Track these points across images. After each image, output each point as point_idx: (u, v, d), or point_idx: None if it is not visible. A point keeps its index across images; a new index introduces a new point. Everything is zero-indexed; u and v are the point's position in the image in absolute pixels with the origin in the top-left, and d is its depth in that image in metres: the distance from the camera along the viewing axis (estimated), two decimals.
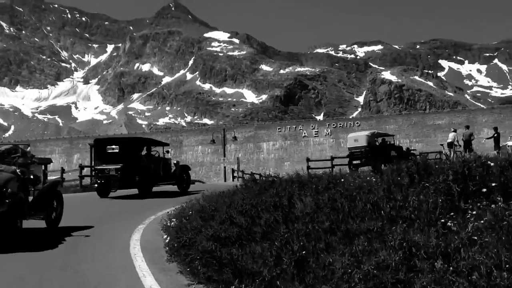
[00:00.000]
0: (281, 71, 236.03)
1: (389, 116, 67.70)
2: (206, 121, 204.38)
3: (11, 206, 7.25)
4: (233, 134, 62.20)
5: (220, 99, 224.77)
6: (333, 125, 64.04)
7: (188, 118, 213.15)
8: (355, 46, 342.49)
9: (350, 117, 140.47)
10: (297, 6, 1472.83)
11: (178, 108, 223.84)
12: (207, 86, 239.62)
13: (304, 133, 64.54)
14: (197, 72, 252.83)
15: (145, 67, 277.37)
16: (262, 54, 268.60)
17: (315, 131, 64.27)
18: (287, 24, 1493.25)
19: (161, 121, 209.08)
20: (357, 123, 62.93)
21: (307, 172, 30.39)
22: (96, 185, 18.37)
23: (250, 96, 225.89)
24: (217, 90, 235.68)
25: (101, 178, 18.05)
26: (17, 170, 8.18)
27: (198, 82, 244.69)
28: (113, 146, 18.65)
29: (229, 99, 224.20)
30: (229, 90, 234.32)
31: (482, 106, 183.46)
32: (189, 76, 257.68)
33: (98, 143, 19.63)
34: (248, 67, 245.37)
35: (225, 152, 58.75)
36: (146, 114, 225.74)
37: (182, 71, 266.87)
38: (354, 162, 26.08)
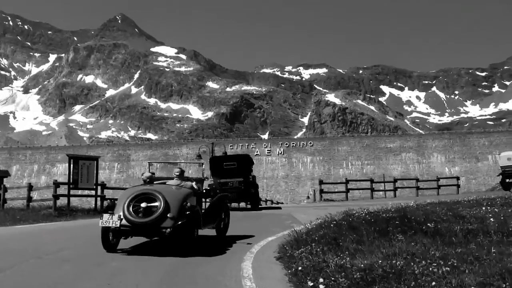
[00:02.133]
0: (228, 89, 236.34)
1: (341, 137, 68.61)
2: (150, 136, 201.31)
3: (190, 217, 8.29)
4: (224, 149, 61.01)
5: (165, 114, 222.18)
6: (286, 144, 64.33)
7: (132, 132, 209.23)
8: (301, 68, 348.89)
9: (296, 136, 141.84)
10: (245, 25, 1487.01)
11: (122, 122, 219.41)
12: (152, 100, 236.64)
13: (257, 152, 64.45)
14: (143, 86, 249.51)
15: (89, 79, 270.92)
16: (209, 71, 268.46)
17: (267, 150, 64.31)
18: (234, 43, 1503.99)
19: (104, 134, 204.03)
20: (310, 143, 63.50)
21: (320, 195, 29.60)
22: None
23: (196, 113, 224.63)
24: (163, 105, 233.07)
25: (222, 191, 19.87)
26: (194, 185, 9.40)
27: (143, 96, 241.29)
28: (231, 162, 21.12)
29: (175, 114, 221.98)
30: (174, 106, 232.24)
31: (420, 131, 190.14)
32: (134, 90, 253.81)
33: (215, 160, 22.17)
34: (195, 83, 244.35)
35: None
36: (88, 126, 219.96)
37: (127, 85, 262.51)
38: (508, 180, 25.77)
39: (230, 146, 67.38)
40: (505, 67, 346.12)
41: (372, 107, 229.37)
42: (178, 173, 9.58)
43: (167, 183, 9.46)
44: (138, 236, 8.50)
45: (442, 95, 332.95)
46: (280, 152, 63.54)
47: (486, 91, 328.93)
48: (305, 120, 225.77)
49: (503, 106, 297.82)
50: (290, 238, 8.63)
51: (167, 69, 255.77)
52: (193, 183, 9.52)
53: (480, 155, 57.34)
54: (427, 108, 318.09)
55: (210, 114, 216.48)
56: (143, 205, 8.04)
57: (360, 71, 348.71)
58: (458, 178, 34.36)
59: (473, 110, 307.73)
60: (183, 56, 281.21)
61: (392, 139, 62.61)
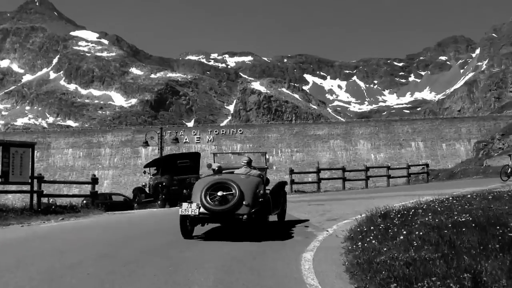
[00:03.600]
0: (152, 76, 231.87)
1: (271, 125, 69.06)
2: (70, 123, 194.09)
3: (262, 204, 8.74)
4: (174, 135, 59.13)
5: (86, 100, 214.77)
6: (215, 131, 63.91)
7: (50, 119, 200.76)
8: (226, 55, 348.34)
9: (222, 124, 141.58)
10: (169, 11, 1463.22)
11: (39, 108, 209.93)
12: (72, 86, 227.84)
13: (186, 139, 63.60)
14: (62, 72, 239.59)
15: (4, 63, 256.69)
16: (132, 57, 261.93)
17: (197, 137, 63.61)
18: (159, 29, 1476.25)
19: (20, 121, 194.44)
20: (240, 130, 63.40)
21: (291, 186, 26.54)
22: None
23: (118, 99, 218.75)
24: (83, 91, 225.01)
25: (180, 187, 21.07)
26: (260, 174, 9.76)
27: (62, 82, 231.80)
28: (185, 160, 22.37)
29: (96, 101, 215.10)
30: (96, 92, 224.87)
31: (342, 119, 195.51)
32: (52, 75, 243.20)
33: (169, 157, 23.86)
34: (117, 69, 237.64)
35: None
36: (3, 113, 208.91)
37: (45, 70, 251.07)
38: None
39: (158, 133, 66.05)
40: (421, 58, 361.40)
41: (296, 96, 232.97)
42: (246, 162, 10.07)
43: (235, 172, 10.01)
44: (215, 223, 9.25)
45: (362, 84, 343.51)
46: (209, 139, 63.02)
47: (403, 80, 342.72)
48: (231, 108, 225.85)
49: (418, 95, 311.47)
50: (354, 258, 6.33)
51: (88, 54, 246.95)
52: (260, 172, 9.96)
53: (403, 142, 59.66)
54: (348, 97, 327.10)
55: (133, 101, 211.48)
56: (219, 193, 8.56)
57: (285, 60, 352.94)
58: (427, 165, 34.15)
59: (391, 99, 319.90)
60: (105, 41, 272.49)
61: (320, 126, 63.71)
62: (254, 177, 9.37)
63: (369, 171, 29.93)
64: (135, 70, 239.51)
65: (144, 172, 25.58)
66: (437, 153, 59.03)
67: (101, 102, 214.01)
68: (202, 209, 8.50)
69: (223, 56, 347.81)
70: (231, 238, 8.95)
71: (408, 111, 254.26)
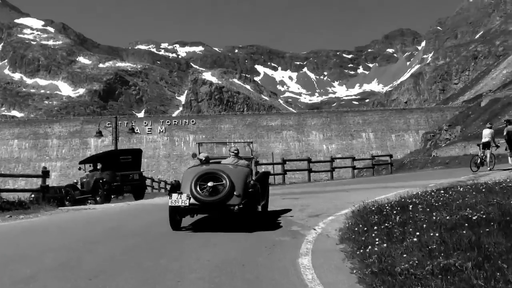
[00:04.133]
0: (101, 65, 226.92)
1: (224, 116, 68.63)
2: (15, 113, 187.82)
3: (252, 195, 8.57)
4: (131, 124, 57.23)
5: (32, 90, 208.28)
6: (167, 122, 63.10)
7: None
8: (177, 45, 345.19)
9: (174, 115, 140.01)
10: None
11: None
12: (17, 75, 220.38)
13: (137, 130, 62.53)
14: (6, 60, 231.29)
15: None
16: (79, 46, 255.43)
17: (148, 128, 62.68)
18: (107, 17, 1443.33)
19: None
20: (192, 121, 62.79)
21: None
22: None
23: (66, 89, 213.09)
24: (29, 81, 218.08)
25: (122, 184, 21.21)
26: (248, 164, 9.65)
27: (6, 71, 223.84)
28: (127, 156, 22.39)
29: (42, 91, 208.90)
30: (42, 82, 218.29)
31: (293, 110, 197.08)
32: None
33: (111, 153, 24.03)
34: (64, 58, 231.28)
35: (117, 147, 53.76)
36: None
37: None
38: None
39: (108, 124, 64.71)
40: (369, 50, 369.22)
41: (248, 86, 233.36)
42: (236, 152, 9.81)
43: (222, 162, 9.73)
44: (206, 214, 9.12)
45: (312, 75, 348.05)
46: (161, 130, 62.23)
47: (352, 72, 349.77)
48: (182, 98, 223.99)
49: (366, 87, 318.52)
50: (365, 267, 5.24)
51: (34, 42, 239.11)
52: (248, 162, 9.85)
53: (354, 133, 60.64)
54: (298, 88, 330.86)
55: (81, 91, 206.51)
56: (209, 184, 8.36)
57: (236, 50, 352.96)
58: (391, 156, 33.53)
59: (340, 91, 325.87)
60: (51, 29, 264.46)
61: (273, 117, 63.93)
62: (243, 167, 9.23)
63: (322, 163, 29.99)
64: (82, 59, 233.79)
65: (80, 169, 24.57)
66: (386, 143, 60.31)
67: (48, 92, 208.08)
68: (192, 200, 8.33)
69: (174, 45, 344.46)
70: (213, 237, 7.81)
71: (357, 103, 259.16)
